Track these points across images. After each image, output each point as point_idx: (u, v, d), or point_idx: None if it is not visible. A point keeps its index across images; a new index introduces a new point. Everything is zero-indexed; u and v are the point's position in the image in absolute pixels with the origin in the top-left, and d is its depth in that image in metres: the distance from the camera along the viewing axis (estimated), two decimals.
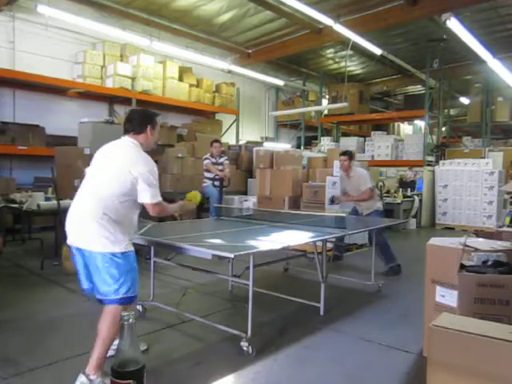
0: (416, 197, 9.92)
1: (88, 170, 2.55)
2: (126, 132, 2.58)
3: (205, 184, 7.07)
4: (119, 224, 2.38)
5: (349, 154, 5.56)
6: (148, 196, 2.42)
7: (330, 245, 4.27)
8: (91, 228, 2.33)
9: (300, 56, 11.65)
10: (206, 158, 7.10)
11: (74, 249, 2.45)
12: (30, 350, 2.78)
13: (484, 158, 10.41)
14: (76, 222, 2.42)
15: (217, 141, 7.34)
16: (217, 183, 6.95)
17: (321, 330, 3.36)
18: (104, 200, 2.36)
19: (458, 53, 10.21)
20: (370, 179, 5.60)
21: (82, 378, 2.30)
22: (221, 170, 7.08)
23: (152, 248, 3.66)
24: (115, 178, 2.39)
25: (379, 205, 5.63)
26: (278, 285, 4.53)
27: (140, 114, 2.67)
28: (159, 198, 2.49)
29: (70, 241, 2.45)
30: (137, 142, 2.54)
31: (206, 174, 7.09)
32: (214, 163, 7.09)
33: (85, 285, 2.49)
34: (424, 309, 2.86)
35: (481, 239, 2.75)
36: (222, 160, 7.24)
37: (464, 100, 13.67)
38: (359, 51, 10.72)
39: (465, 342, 1.47)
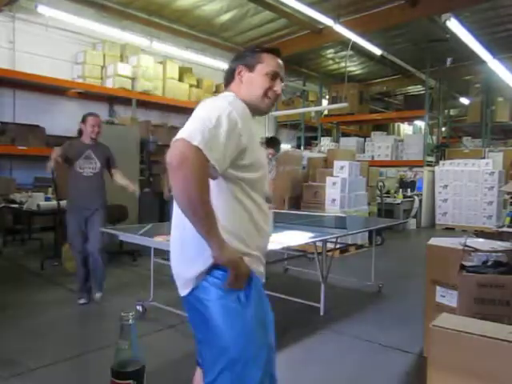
0: (416, 197, 9.93)
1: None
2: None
3: None
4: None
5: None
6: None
7: (330, 245, 4.26)
8: None
9: (300, 56, 11.63)
10: None
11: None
12: (30, 350, 2.78)
13: (484, 158, 10.41)
14: None
15: None
16: None
17: (321, 330, 3.36)
18: None
19: (458, 53, 10.19)
20: None
21: None
22: None
23: (152, 248, 3.66)
24: None
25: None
26: (278, 285, 4.52)
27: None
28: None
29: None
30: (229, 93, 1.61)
31: None
32: None
33: None
34: (424, 309, 2.86)
35: (481, 239, 2.74)
36: None
37: (464, 100, 13.66)
38: (359, 51, 10.71)
39: (465, 342, 1.47)
